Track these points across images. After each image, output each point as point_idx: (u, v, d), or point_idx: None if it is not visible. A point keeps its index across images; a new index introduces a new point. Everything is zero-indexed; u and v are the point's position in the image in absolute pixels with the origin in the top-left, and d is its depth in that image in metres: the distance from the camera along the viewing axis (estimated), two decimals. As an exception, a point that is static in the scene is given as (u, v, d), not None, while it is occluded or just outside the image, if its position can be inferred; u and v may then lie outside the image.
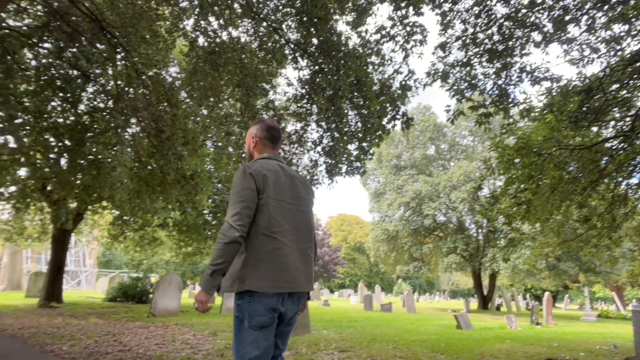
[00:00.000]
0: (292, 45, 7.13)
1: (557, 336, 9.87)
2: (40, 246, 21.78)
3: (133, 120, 10.00)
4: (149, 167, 10.17)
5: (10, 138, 10.94)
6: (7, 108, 8.88)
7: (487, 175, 8.77)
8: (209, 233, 16.83)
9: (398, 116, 6.83)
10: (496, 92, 6.48)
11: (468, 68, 6.37)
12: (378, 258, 31.45)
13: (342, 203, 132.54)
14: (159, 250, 21.05)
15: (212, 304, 2.15)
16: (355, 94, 6.84)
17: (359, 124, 7.23)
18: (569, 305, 38.98)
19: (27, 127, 10.03)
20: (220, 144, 10.44)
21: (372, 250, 31.03)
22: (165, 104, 9.04)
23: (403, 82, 6.59)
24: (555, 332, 11.51)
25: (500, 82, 6.40)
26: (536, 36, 5.97)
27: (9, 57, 8.64)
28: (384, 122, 6.85)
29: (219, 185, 15.86)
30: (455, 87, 6.49)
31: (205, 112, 9.59)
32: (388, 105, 6.74)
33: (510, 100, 6.47)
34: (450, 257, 26.91)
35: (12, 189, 12.24)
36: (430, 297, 51.76)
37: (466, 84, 6.47)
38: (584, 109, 6.05)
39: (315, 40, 6.85)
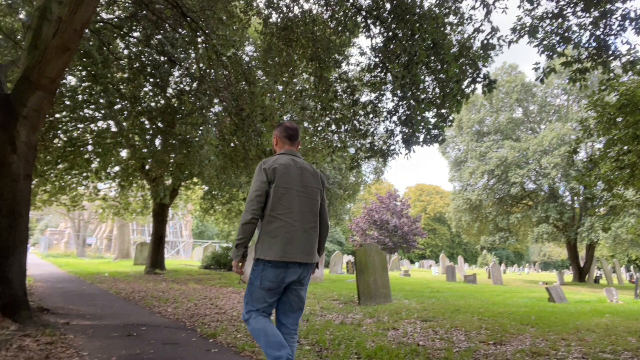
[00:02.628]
0: (364, 13, 6.94)
1: (668, 312, 8.92)
2: (143, 219, 24.25)
3: (216, 101, 10.54)
4: (232, 144, 10.73)
5: (111, 123, 12.16)
6: (107, 95, 9.83)
7: (584, 138, 7.95)
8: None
9: (479, 79, 6.41)
10: (593, 44, 5.78)
11: (560, 20, 5.74)
12: (460, 228, 30.45)
13: (420, 173, 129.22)
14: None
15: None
16: (432, 58, 6.52)
17: (437, 90, 6.91)
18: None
19: (125, 112, 11.03)
20: (296, 118, 10.66)
21: (454, 220, 30.07)
22: (244, 82, 9.38)
23: (485, 42, 6.14)
24: (665, 308, 10.41)
25: (598, 32, 5.69)
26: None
27: (104, 48, 9.49)
28: (463, 86, 6.48)
29: (297, 159, 16.28)
30: (545, 42, 5.91)
31: (280, 88, 9.80)
32: (468, 67, 6.35)
33: (610, 52, 5.74)
34: (541, 226, 25.22)
35: (117, 168, 13.68)
36: (519, 269, 49.22)
37: (558, 38, 5.86)
38: None
39: (387, 5, 6.60)
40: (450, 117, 6.99)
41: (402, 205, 37.19)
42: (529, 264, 57.63)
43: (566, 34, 5.83)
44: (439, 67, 6.53)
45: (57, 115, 10.44)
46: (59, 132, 10.99)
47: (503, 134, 27.83)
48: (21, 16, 8.70)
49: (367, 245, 8.31)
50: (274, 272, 2.54)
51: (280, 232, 2.57)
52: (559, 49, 5.91)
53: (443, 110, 6.89)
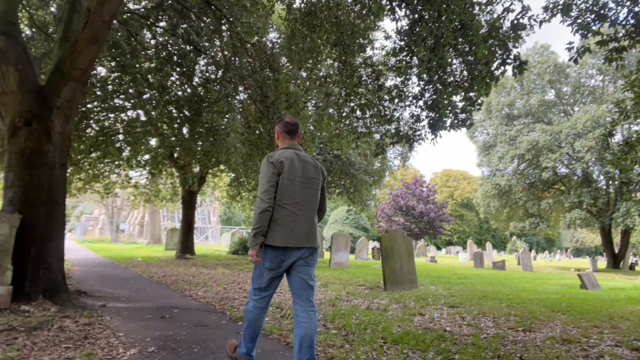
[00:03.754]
0: (389, -5, 6.79)
1: None
2: (173, 206, 24.86)
3: (240, 88, 10.61)
4: (257, 132, 10.81)
5: (140, 112, 12.44)
6: (135, 85, 10.05)
7: (621, 120, 7.60)
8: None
9: (509, 60, 6.19)
10: (631, 21, 5.49)
11: (596, -4, 5.47)
12: (488, 214, 29.88)
13: (447, 158, 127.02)
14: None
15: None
16: (460, 40, 6.34)
17: (465, 73, 6.73)
18: None
19: (153, 102, 11.26)
20: (320, 105, 10.62)
21: (482, 206, 29.52)
22: (268, 70, 9.39)
23: (515, 21, 5.92)
24: None
25: (637, 9, 5.39)
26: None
27: (132, 39, 9.66)
28: (492, 69, 6.29)
29: (322, 145, 16.27)
30: (579, 21, 5.65)
31: (304, 74, 9.77)
32: (497, 49, 6.14)
33: (650, 29, 5.44)
34: (573, 212, 24.48)
35: (146, 157, 14.04)
36: (550, 256, 48.08)
37: (593, 16, 5.58)
38: None
39: (413, -14, 6.43)
40: (479, 101, 6.81)
41: (429, 191, 36.76)
42: (560, 251, 56.18)
43: (602, 12, 5.55)
44: (467, 49, 6.35)
45: (89, 106, 10.75)
46: (91, 121, 11.33)
47: (534, 117, 26.94)
48: (52, 9, 8.94)
49: (393, 231, 8.28)
50: (274, 254, 2.83)
51: (285, 221, 2.83)
52: (594, 27, 5.64)
53: (471, 94, 6.71)
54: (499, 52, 6.11)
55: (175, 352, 3.44)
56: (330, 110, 10.12)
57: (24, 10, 8.22)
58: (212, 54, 10.81)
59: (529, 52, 27.26)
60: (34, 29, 8.68)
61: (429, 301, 6.34)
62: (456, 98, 6.82)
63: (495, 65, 6.21)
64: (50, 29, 8.69)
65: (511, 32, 5.99)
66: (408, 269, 8.00)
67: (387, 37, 7.31)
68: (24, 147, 5.00)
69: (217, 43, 10.34)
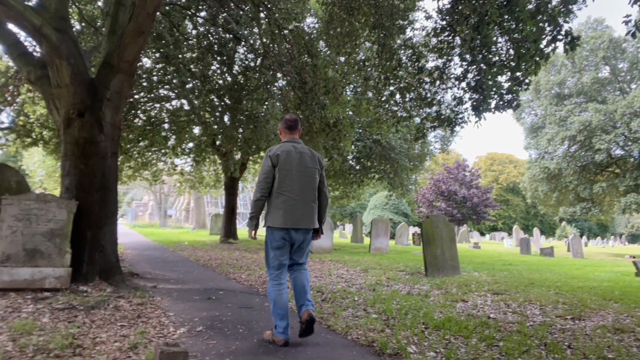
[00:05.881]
0: (430, -27, 6.57)
1: None
2: (216, 192, 25.61)
3: (279, 75, 10.68)
4: (297, 118, 10.85)
5: (184, 101, 12.81)
6: (179, 75, 10.35)
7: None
8: (354, 178, 17.46)
9: (560, 36, 5.83)
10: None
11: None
12: (536, 199, 28.66)
13: (491, 141, 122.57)
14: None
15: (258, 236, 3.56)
16: (506, 17, 6.04)
17: (511, 52, 6.41)
18: None
19: (196, 91, 11.56)
20: (359, 89, 10.51)
21: (529, 190, 28.36)
22: (306, 55, 9.37)
23: (566, -5, 5.57)
24: None
25: None
26: None
27: (175, 30, 9.91)
28: (541, 46, 5.96)
29: (360, 130, 16.13)
30: (638, -10, 5.22)
31: (342, 59, 9.67)
32: (547, 25, 5.81)
33: None
34: (629, 196, 23.01)
35: (190, 145, 14.50)
36: (603, 242, 45.69)
37: (655, -17, 5.14)
38: None
39: (455, -37, 6.17)
40: (526, 80, 6.48)
41: (472, 175, 35.74)
42: (614, 237, 53.22)
43: (666, -22, 5.10)
44: (513, 26, 6.05)
45: (136, 96, 11.20)
46: (139, 112, 11.81)
47: (587, 95, 25.39)
48: (100, 3, 9.31)
49: (434, 216, 8.15)
50: (279, 234, 3.28)
51: (284, 206, 3.26)
52: (656, -3, 5.20)
53: (518, 73, 6.40)
54: (549, 27, 5.77)
55: (221, 332, 3.58)
56: (369, 95, 9.98)
57: (73, 6, 8.61)
58: (251, 41, 10.92)
59: (581, 27, 25.60)
60: (83, 24, 9.09)
61: (472, 288, 6.22)
62: (501, 78, 6.52)
63: (544, 42, 5.88)
64: (99, 23, 9.07)
65: (561, 6, 5.64)
66: (450, 254, 7.87)
67: (428, 17, 7.08)
68: (78, 137, 5.30)
69: (256, 31, 10.42)
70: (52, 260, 4.70)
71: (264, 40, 9.99)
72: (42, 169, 20.41)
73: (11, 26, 6.11)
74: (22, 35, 7.02)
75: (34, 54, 6.61)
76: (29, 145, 11.60)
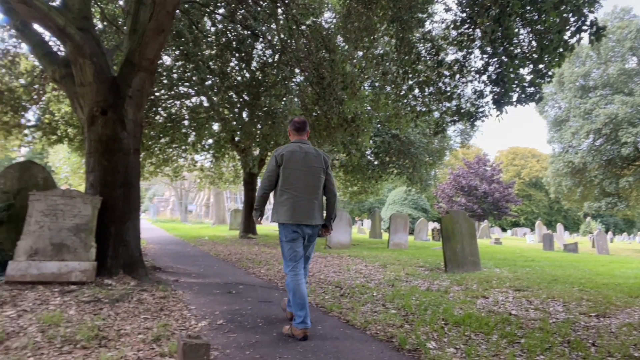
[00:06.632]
0: (449, -35, 6.46)
1: None
2: (235, 188, 25.89)
3: (297, 71, 10.67)
4: (314, 114, 10.87)
5: (203, 98, 12.95)
6: (198, 72, 10.45)
7: None
8: (372, 173, 17.37)
9: (585, 27, 5.66)
10: None
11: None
12: (560, 194, 28.03)
13: (513, 135, 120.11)
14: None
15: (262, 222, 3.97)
16: (528, 8, 5.90)
17: (533, 43, 6.26)
18: None
19: (215, 88, 11.67)
20: (377, 84, 10.44)
21: (552, 185, 27.75)
22: (324, 51, 9.35)
23: (591, -17, 5.40)
24: None
25: None
26: None
27: (194, 27, 10.01)
28: (565, 37, 5.79)
29: (379, 126, 16.02)
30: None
31: (360, 54, 9.61)
32: (571, 15, 5.64)
33: None
34: (658, 191, 22.30)
35: (210, 141, 14.66)
36: (629, 238, 44.37)
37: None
38: None
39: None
40: (550, 73, 6.32)
41: (493, 170, 35.13)
42: (642, 233, 51.62)
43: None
44: (536, 17, 5.90)
45: (157, 94, 11.37)
46: (160, 109, 11.99)
47: (613, 87, 24.62)
48: (121, 2, 9.47)
49: (454, 211, 8.05)
50: (290, 228, 3.46)
51: (288, 202, 3.45)
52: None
53: (540, 65, 6.24)
54: (573, 18, 5.61)
55: (241, 325, 3.63)
56: (388, 89, 9.90)
57: (95, 5, 8.78)
58: (269, 37, 10.94)
59: (607, 17, 24.84)
60: (105, 23, 9.26)
61: (493, 284, 6.14)
62: (524, 71, 6.37)
63: (568, 33, 5.72)
64: (120, 22, 9.23)
65: (587, -5, 5.47)
66: (470, 250, 7.78)
67: (448, 10, 6.97)
68: (102, 135, 5.42)
69: (274, 27, 10.44)
70: (78, 254, 4.84)
71: (282, 36, 10.00)
72: (67, 165, 20.98)
73: (36, 26, 6.28)
74: (46, 35, 7.20)
75: (58, 53, 6.77)
76: (54, 142, 11.92)
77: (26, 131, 11.53)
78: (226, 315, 3.96)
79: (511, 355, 3.00)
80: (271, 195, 3.67)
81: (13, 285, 4.40)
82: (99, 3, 8.97)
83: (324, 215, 3.68)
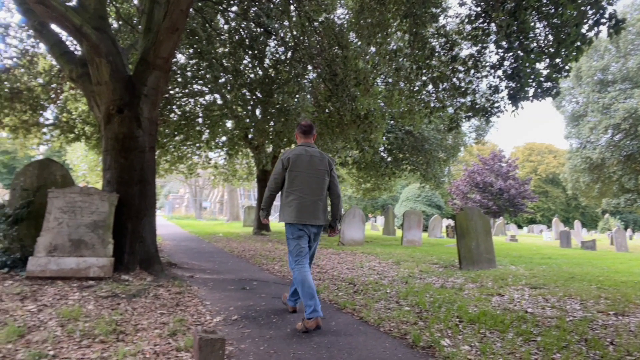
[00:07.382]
0: (464, -42, 6.36)
1: None
2: (249, 185, 26.02)
3: (310, 68, 10.67)
4: (327, 111, 10.86)
5: (217, 96, 13.04)
6: (212, 70, 10.51)
7: None
8: (386, 170, 17.29)
9: (603, 20, 5.54)
10: None
11: None
12: (577, 190, 27.53)
13: (529, 131, 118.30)
14: (342, 187, 22.70)
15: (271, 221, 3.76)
16: (544, 1, 5.79)
17: (550, 37, 6.14)
18: None
19: (228, 85, 11.74)
20: (390, 80, 10.37)
21: (570, 181, 27.27)
22: (337, 47, 9.32)
23: (610, -25, 5.27)
24: None
25: None
26: None
27: (207, 25, 10.07)
28: (583, 30, 5.67)
29: (392, 122, 15.93)
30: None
31: (373, 50, 9.56)
32: (589, 8, 5.53)
33: None
34: (680, 187, 21.75)
35: (224, 138, 14.77)
36: (650, 235, 43.39)
37: None
38: None
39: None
40: (567, 67, 6.20)
41: (508, 166, 34.65)
42: (663, 230, 50.42)
43: None
44: (552, 10, 5.79)
45: (172, 92, 11.48)
46: (174, 107, 12.12)
47: (632, 81, 24.04)
48: (135, 2, 9.57)
49: (469, 208, 7.98)
50: (296, 227, 3.66)
51: (293, 203, 3.64)
52: None
53: (557, 60, 6.13)
54: (591, 11, 5.49)
55: (255, 321, 3.67)
56: (401, 85, 9.83)
57: (111, 5, 8.89)
58: (282, 35, 10.96)
59: (626, 9, 24.21)
60: (120, 22, 9.38)
61: (509, 281, 6.07)
62: (540, 65, 6.26)
63: (586, 26, 5.60)
64: (135, 21, 9.34)
65: (606, -13, 5.35)
66: (485, 247, 7.70)
67: (462, 4, 6.87)
68: (118, 133, 5.50)
69: (286, 24, 10.44)
70: (95, 250, 4.93)
71: (294, 33, 9.99)
72: (84, 163, 21.36)
73: (53, 26, 6.39)
74: (63, 35, 7.31)
75: (75, 52, 6.88)
76: (72, 140, 12.15)
77: (44, 129, 11.76)
78: (240, 310, 4.00)
79: (527, 353, 2.97)
80: (277, 195, 3.85)
81: (33, 280, 4.51)
82: (114, 2, 9.08)
83: (329, 215, 3.86)
